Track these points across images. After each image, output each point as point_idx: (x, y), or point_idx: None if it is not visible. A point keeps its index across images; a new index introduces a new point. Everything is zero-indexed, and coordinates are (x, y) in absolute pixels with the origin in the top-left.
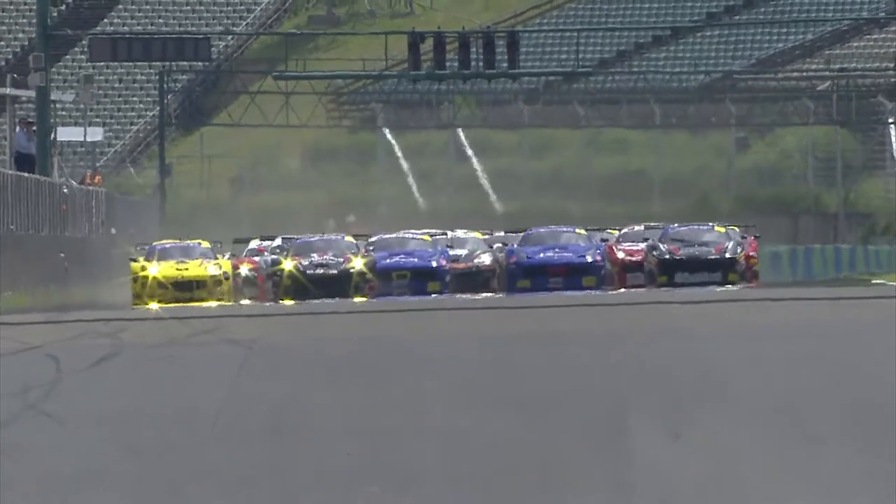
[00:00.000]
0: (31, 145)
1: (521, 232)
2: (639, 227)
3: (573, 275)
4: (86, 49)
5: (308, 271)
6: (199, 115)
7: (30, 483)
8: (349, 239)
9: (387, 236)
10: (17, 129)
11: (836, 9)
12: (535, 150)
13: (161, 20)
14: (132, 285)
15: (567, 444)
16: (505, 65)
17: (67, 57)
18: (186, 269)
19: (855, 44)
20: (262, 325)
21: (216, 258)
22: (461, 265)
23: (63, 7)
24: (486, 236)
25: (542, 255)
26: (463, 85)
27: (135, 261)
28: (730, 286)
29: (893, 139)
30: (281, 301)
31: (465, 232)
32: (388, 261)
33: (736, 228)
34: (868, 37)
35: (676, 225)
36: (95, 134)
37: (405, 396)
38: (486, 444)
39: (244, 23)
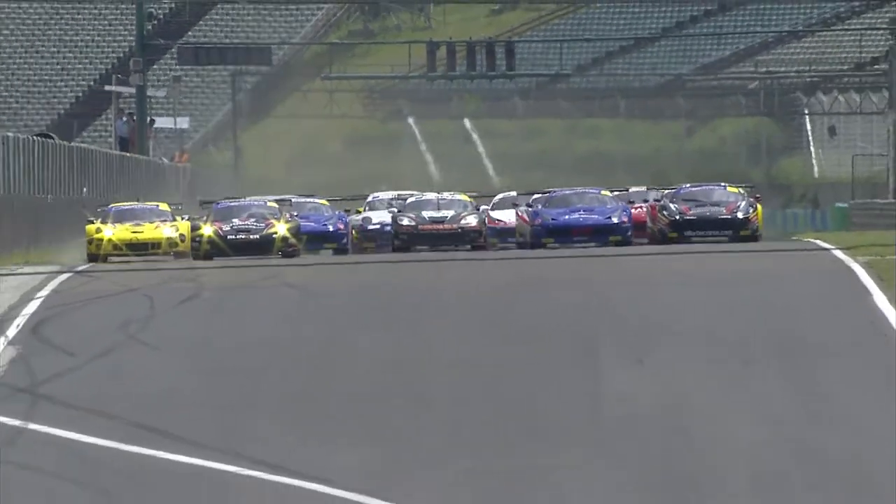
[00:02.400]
0: (129, 131)
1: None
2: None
3: (598, 235)
4: (175, 55)
5: (229, 237)
6: (263, 108)
7: (126, 398)
8: (272, 204)
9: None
10: (119, 118)
11: (762, 23)
12: (526, 135)
13: (233, 33)
14: (87, 247)
15: (550, 368)
16: (503, 68)
17: (160, 61)
18: (141, 231)
19: (778, 51)
20: (313, 272)
21: (174, 220)
22: (448, 226)
23: (156, 21)
24: (474, 197)
25: (567, 216)
26: (470, 84)
27: (91, 222)
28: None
29: (808, 127)
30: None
31: (451, 194)
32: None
33: (736, 191)
34: (788, 45)
35: (688, 185)
36: (183, 122)
37: (422, 333)
38: (485, 370)
39: (298, 35)
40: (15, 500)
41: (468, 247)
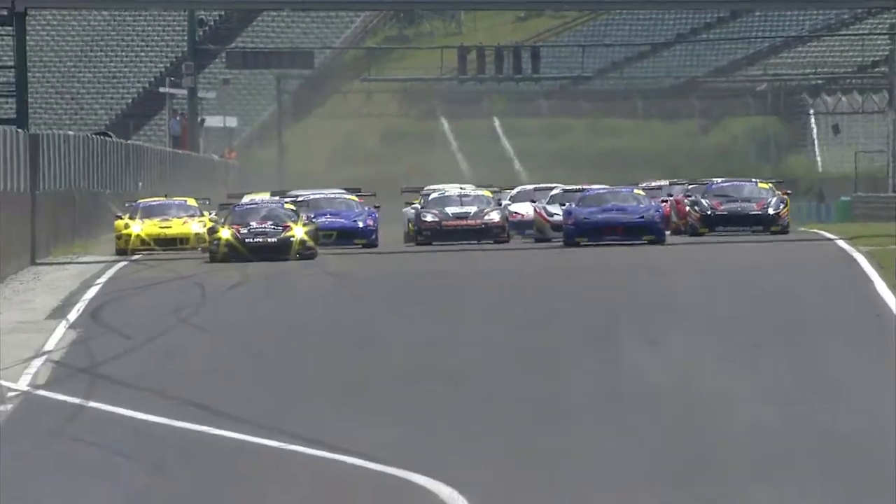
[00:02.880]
0: (181, 130)
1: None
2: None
3: (631, 234)
4: (223, 59)
5: (247, 240)
6: (305, 107)
7: (178, 378)
8: (289, 206)
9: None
10: (172, 118)
11: (770, 28)
12: (550, 133)
13: (278, 38)
14: (116, 242)
15: (571, 348)
16: (529, 71)
17: (210, 65)
18: (169, 226)
19: (785, 55)
20: (351, 261)
21: (201, 215)
22: (472, 222)
23: (206, 28)
24: (495, 192)
25: (600, 215)
26: (498, 86)
27: (119, 218)
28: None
29: (813, 125)
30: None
31: (473, 188)
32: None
33: (766, 186)
34: (795, 49)
35: (720, 180)
36: (231, 122)
37: (453, 316)
38: (511, 350)
39: (339, 40)
40: (75, 472)
41: (491, 241)
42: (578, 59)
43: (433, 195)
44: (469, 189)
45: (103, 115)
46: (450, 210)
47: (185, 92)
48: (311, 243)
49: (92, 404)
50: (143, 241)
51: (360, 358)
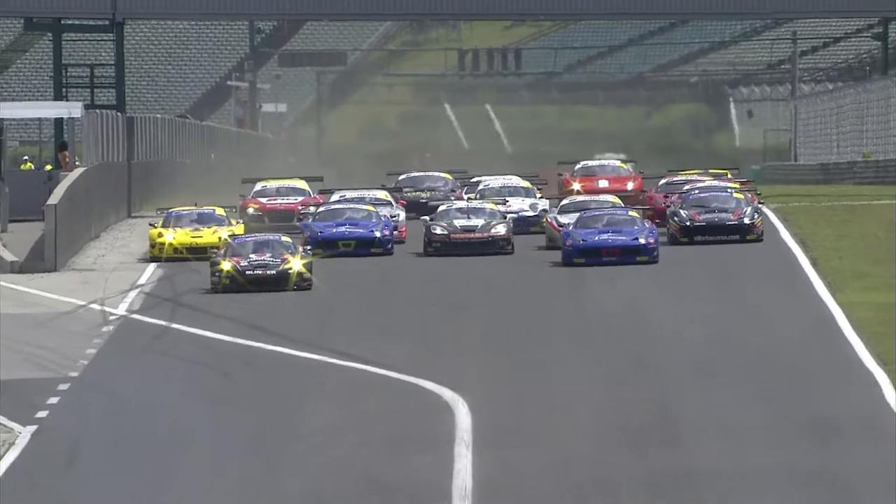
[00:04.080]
0: (243, 114)
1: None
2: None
3: (626, 255)
4: (276, 59)
5: (247, 272)
6: (339, 96)
7: (243, 306)
8: (285, 239)
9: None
10: (237, 105)
11: (701, 35)
12: (530, 116)
13: (319, 42)
14: (150, 250)
15: (552, 287)
16: (514, 68)
17: (266, 63)
18: (200, 235)
19: (711, 55)
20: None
21: (230, 224)
22: (479, 234)
23: (263, 35)
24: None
25: (596, 237)
26: (489, 79)
27: (153, 226)
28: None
29: (732, 110)
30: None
31: (481, 203)
32: (333, 230)
33: (737, 186)
34: (719, 51)
35: (697, 191)
36: (282, 108)
37: (465, 295)
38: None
39: (366, 43)
40: (162, 377)
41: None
42: (552, 58)
43: (442, 207)
44: (515, 180)
45: (184, 102)
46: (458, 223)
47: (246, 84)
48: (307, 275)
49: (174, 326)
50: (175, 249)
51: (385, 293)
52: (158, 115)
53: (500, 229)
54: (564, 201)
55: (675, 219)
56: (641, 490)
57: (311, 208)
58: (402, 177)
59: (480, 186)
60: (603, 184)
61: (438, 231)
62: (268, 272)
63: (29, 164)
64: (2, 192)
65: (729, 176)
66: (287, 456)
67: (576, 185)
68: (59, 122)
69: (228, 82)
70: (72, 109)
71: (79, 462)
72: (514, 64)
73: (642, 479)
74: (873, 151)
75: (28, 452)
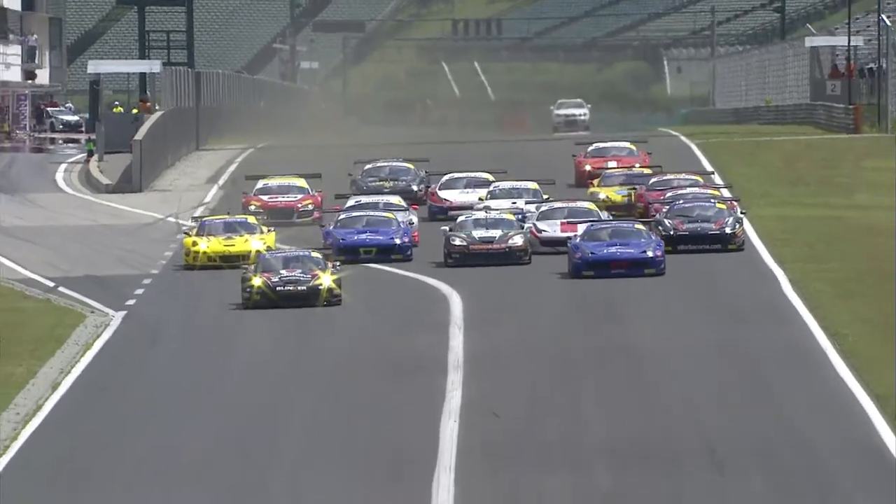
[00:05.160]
0: (285, 71)
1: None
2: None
3: (635, 268)
4: (311, 27)
5: (278, 287)
6: (360, 56)
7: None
8: (315, 254)
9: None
10: (280, 63)
11: (643, 7)
12: (507, 71)
13: (344, 13)
14: (184, 258)
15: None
16: (496, 34)
17: (304, 30)
18: (233, 244)
19: (650, 24)
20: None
21: (261, 232)
22: (497, 246)
23: (300, 7)
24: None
25: (605, 250)
26: (477, 43)
27: (188, 234)
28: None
29: (666, 67)
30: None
31: (498, 213)
32: (355, 238)
33: (722, 192)
34: (655, 21)
35: (681, 202)
36: (315, 65)
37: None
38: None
39: (380, 14)
40: (226, 275)
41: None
42: (525, 26)
43: (461, 217)
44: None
45: (239, 61)
46: (476, 234)
47: (287, 47)
48: (337, 291)
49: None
50: (209, 258)
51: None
52: (220, 71)
53: (518, 240)
54: (543, 207)
55: (660, 227)
56: (592, 358)
57: (337, 213)
58: (367, 166)
59: (491, 188)
60: (612, 164)
61: (457, 242)
62: (298, 288)
63: (119, 108)
64: (99, 131)
65: (701, 180)
66: (317, 336)
67: (587, 166)
68: (142, 76)
69: (273, 45)
70: (152, 66)
71: (160, 341)
72: (496, 31)
73: (593, 350)
74: (773, 99)
75: (120, 332)
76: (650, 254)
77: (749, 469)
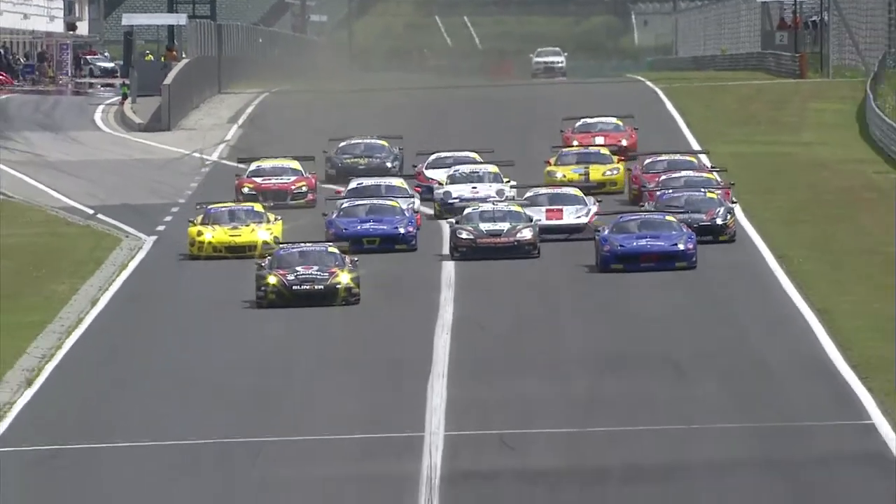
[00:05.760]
0: (295, 23)
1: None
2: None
3: (665, 261)
4: None
5: (294, 287)
6: (364, 9)
7: (298, 144)
8: (332, 250)
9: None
10: (292, 17)
11: None
12: (495, 25)
13: None
14: (189, 248)
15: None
16: None
17: None
18: (238, 234)
19: None
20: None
21: (268, 221)
22: (505, 239)
23: None
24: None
25: (634, 243)
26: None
27: (192, 223)
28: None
29: (634, 21)
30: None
31: (506, 204)
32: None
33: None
34: None
35: (671, 191)
36: (324, 18)
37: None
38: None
39: None
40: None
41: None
42: None
43: (468, 210)
44: (487, 167)
45: (256, 14)
46: (484, 227)
47: (298, 2)
48: (356, 290)
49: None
50: (214, 248)
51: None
52: (239, 23)
53: (526, 233)
54: (528, 193)
55: None
56: (568, 282)
57: (338, 201)
58: (342, 143)
59: (451, 171)
60: (599, 140)
61: (464, 236)
62: (315, 287)
63: (150, 56)
64: (132, 76)
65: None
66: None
67: (575, 142)
68: (170, 28)
69: (286, 0)
70: (179, 19)
71: (187, 263)
72: None
73: (569, 277)
74: (728, 48)
75: (152, 254)
76: (681, 246)
77: (706, 375)
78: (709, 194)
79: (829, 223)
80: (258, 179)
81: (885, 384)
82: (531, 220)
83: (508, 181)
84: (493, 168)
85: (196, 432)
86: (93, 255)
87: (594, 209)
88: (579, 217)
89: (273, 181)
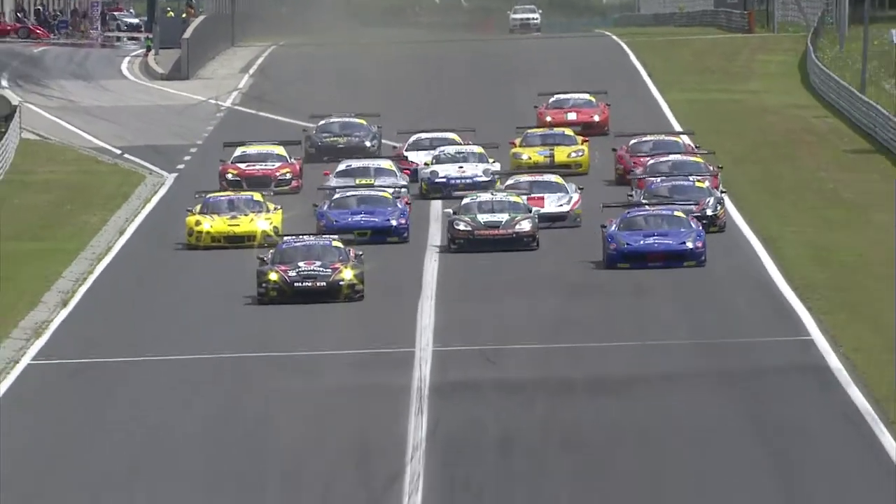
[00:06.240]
0: None
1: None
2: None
3: (673, 260)
4: None
5: (296, 283)
6: None
7: (307, 99)
8: (336, 244)
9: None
10: None
11: None
12: None
13: None
14: (187, 238)
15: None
16: None
17: None
18: (238, 224)
19: None
20: None
21: (267, 210)
22: (503, 231)
23: None
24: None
25: (642, 241)
26: None
27: (191, 212)
28: None
29: None
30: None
31: (505, 195)
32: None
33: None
34: None
35: (659, 180)
36: None
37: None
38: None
39: None
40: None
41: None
42: None
43: (466, 199)
44: (472, 148)
45: None
46: (482, 218)
47: None
48: (360, 286)
49: (262, 114)
50: (213, 238)
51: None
52: None
53: (525, 225)
54: (509, 181)
55: None
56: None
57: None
58: (321, 122)
59: (436, 152)
60: (571, 116)
61: (462, 227)
62: (317, 283)
63: (171, 13)
64: (155, 31)
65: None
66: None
67: (548, 117)
68: None
69: None
70: None
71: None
72: None
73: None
74: (685, 6)
75: (172, 189)
76: (690, 245)
77: (661, 297)
78: (698, 183)
79: (774, 162)
80: (242, 165)
81: (822, 304)
82: (531, 211)
83: (493, 161)
84: (478, 149)
85: (214, 348)
86: (120, 191)
87: (576, 197)
88: (561, 205)
89: (257, 167)
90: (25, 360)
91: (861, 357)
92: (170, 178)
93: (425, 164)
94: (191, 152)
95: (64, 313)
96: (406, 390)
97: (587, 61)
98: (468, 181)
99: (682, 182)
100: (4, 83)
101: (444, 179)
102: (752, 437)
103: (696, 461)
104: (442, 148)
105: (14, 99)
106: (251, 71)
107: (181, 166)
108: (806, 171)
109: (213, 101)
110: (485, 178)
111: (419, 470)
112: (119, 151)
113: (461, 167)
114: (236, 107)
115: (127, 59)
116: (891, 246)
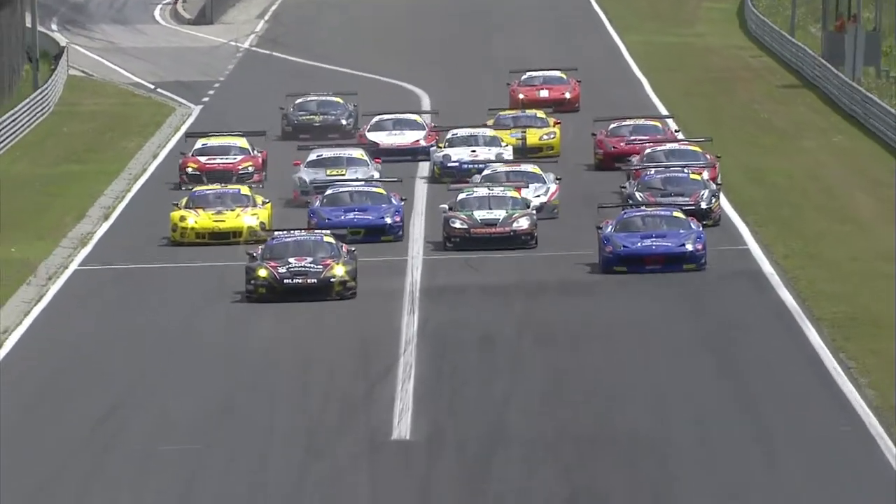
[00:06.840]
0: None
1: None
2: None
3: (671, 263)
4: None
5: (285, 280)
6: None
7: (316, 47)
8: (328, 240)
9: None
10: None
11: None
12: None
13: None
14: (171, 234)
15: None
16: None
17: None
18: (223, 220)
19: None
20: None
21: (254, 205)
22: (500, 229)
23: None
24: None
25: (639, 243)
26: None
27: (177, 206)
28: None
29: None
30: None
31: (502, 190)
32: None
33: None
34: None
35: (653, 172)
36: None
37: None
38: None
39: None
40: (274, 81)
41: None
42: None
43: (462, 195)
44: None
45: None
46: (478, 215)
47: None
48: (351, 283)
49: (275, 54)
50: (198, 234)
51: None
52: None
53: (523, 222)
54: (486, 171)
55: (630, 201)
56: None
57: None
58: (298, 100)
59: (449, 135)
60: (544, 93)
61: (458, 225)
62: (308, 280)
63: None
64: None
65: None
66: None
67: (521, 95)
68: None
69: None
70: None
71: (225, 116)
72: None
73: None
74: None
75: (200, 117)
76: (689, 247)
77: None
78: (693, 175)
79: (716, 95)
80: (202, 159)
81: (757, 218)
82: (529, 206)
83: (506, 145)
84: (490, 132)
85: (240, 257)
86: (154, 120)
87: (554, 187)
88: (538, 195)
89: (218, 161)
90: (73, 266)
91: (790, 263)
92: (196, 110)
93: (438, 146)
94: (214, 87)
95: (105, 226)
96: (399, 293)
97: (552, 9)
98: (481, 165)
99: (675, 174)
100: (54, 27)
101: (456, 164)
102: (696, 331)
103: (650, 353)
104: (454, 131)
105: (62, 41)
106: (266, 17)
107: (206, 99)
108: (743, 104)
109: (232, 43)
110: (497, 163)
111: (411, 361)
112: (153, 86)
113: (473, 150)
114: (253, 48)
115: (159, 6)
116: (817, 167)
